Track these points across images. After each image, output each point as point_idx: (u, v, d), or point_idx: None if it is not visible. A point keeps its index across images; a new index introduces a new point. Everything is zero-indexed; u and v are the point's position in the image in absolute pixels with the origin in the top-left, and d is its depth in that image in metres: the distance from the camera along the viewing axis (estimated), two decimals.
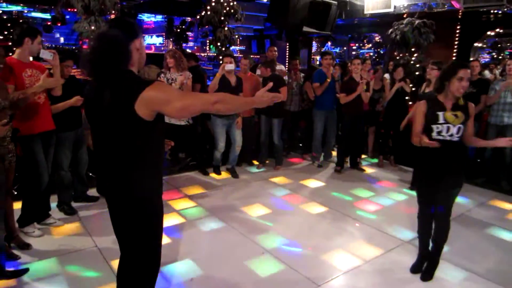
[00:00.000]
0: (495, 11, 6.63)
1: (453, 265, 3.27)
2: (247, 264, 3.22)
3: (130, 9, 6.52)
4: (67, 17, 8.51)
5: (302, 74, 6.29)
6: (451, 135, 2.81)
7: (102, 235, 3.58)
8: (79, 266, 3.11)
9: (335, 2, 6.23)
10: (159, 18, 11.46)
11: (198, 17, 6.43)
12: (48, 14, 9.73)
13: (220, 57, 6.17)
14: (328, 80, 5.52)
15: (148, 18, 10.79)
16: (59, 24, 8.18)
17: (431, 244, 3.09)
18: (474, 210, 4.53)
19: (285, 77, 5.98)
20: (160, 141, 1.90)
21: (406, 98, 5.70)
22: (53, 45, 11.29)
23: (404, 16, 6.58)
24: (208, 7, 6.21)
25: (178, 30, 10.58)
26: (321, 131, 5.85)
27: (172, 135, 5.24)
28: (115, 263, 3.06)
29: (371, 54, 13.56)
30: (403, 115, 5.27)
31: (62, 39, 13.23)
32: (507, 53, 10.82)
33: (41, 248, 3.36)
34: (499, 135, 5.12)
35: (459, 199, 4.61)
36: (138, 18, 9.91)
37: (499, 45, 11.35)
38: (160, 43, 12.97)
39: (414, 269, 3.15)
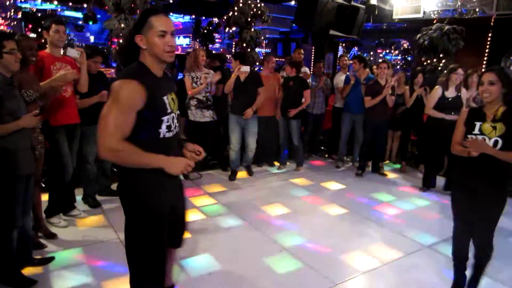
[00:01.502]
0: None
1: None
2: (264, 260, 3.25)
3: (158, 8, 6.67)
4: (98, 16, 8.82)
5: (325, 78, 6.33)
6: None
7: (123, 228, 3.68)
8: (102, 257, 3.19)
9: (363, 6, 6.21)
10: (186, 19, 11.67)
11: (225, 18, 6.54)
12: (80, 13, 10.09)
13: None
14: (352, 82, 5.56)
15: (176, 19, 11.00)
16: (90, 22, 8.47)
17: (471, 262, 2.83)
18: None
19: (309, 80, 6.00)
20: (159, 145, 1.85)
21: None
22: (83, 44, 11.65)
23: (434, 21, 6.49)
24: (236, 8, 6.31)
25: (205, 31, 10.75)
26: (347, 133, 5.86)
27: (196, 132, 5.40)
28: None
29: (398, 60, 13.39)
30: (421, 121, 5.43)
31: (92, 38, 13.67)
32: None
33: (66, 238, 3.47)
34: None
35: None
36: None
37: None
38: (187, 44, 13.21)
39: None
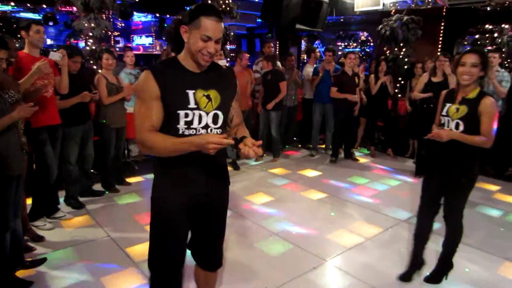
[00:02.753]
0: (477, 9, 7.00)
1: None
2: (257, 246, 3.40)
3: (126, 7, 6.63)
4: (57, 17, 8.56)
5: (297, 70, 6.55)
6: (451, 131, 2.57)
7: (113, 226, 3.70)
8: (95, 255, 3.20)
9: (327, 0, 6.47)
10: (148, 18, 11.53)
11: None
12: (37, 15, 9.71)
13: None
14: (321, 74, 5.83)
15: (138, 18, 10.84)
16: (51, 24, 8.21)
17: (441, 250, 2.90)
18: None
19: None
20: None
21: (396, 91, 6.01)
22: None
23: (392, 13, 6.88)
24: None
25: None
26: (318, 123, 6.11)
27: None
28: (130, 250, 3.25)
29: (358, 52, 13.95)
30: (386, 107, 5.87)
31: (48, 41, 13.13)
32: (487, 50, 11.23)
33: (55, 239, 3.44)
34: None
35: None
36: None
37: (478, 42, 11.77)
38: (149, 43, 13.01)
39: (402, 278, 2.91)
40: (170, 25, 1.83)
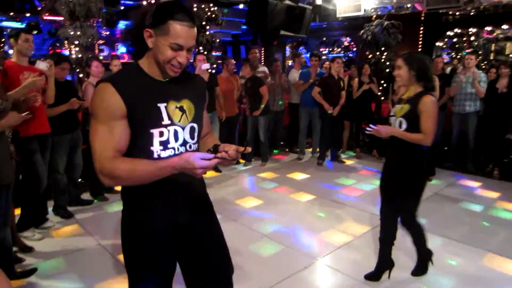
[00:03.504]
0: (454, 13, 7.26)
1: (431, 233, 3.64)
2: (248, 247, 3.46)
3: (111, 15, 6.65)
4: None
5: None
6: None
7: (103, 234, 3.69)
8: (87, 263, 3.19)
9: (310, 7, 6.62)
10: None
11: None
12: (20, 23, 9.61)
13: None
14: (311, 80, 5.95)
15: (123, 26, 10.80)
16: (34, 32, 8.14)
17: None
18: (445, 189, 5.03)
19: (269, 79, 6.29)
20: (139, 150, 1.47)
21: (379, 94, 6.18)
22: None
23: (372, 18, 7.08)
24: None
25: None
26: (305, 127, 6.22)
27: None
28: (122, 257, 3.24)
29: (341, 57, 14.23)
30: (370, 110, 6.12)
31: None
32: (465, 53, 11.59)
33: (44, 250, 3.41)
34: (463, 123, 5.67)
35: (432, 182, 5.16)
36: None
37: (456, 45, 12.15)
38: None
39: (369, 277, 2.92)
40: (130, 26, 1.60)
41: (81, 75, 5.41)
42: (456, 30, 9.39)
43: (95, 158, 1.38)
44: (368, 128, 2.66)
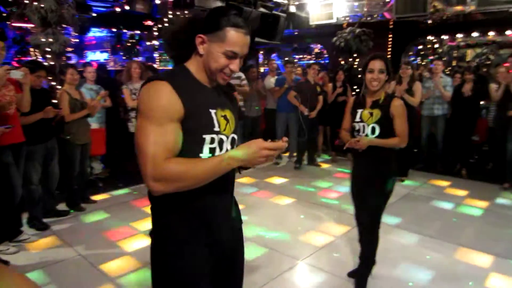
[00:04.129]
0: (421, 22, 7.63)
1: (407, 231, 3.88)
2: None
3: (83, 22, 6.55)
4: None
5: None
6: (367, 136, 2.57)
7: (83, 244, 3.61)
8: (69, 274, 3.12)
9: (284, 14, 6.77)
10: (104, 33, 11.36)
11: (155, 28, 6.63)
12: None
13: None
14: (286, 86, 6.07)
15: (92, 33, 10.65)
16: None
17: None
18: (417, 189, 5.27)
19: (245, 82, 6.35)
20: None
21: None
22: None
23: (344, 26, 7.32)
24: (165, 20, 6.44)
25: (128, 44, 10.59)
26: (282, 131, 6.32)
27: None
28: (104, 267, 3.22)
29: (318, 63, 14.55)
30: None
31: None
32: (429, 59, 12.12)
33: (21, 263, 3.30)
34: (432, 126, 5.95)
35: (405, 182, 5.38)
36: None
37: (422, 52, 12.69)
38: (105, 59, 12.76)
39: (352, 275, 2.97)
40: (174, 27, 1.46)
41: (53, 83, 5.28)
42: (423, 37, 9.82)
43: (145, 162, 1.25)
44: (349, 143, 2.55)
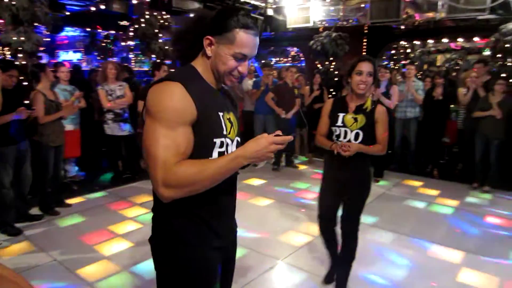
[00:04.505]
0: (394, 27, 7.87)
1: (384, 230, 3.99)
2: None
3: (56, 21, 6.37)
4: None
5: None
6: (349, 141, 2.48)
7: (58, 249, 3.52)
8: (43, 280, 3.04)
9: (262, 17, 6.83)
10: (77, 32, 11.08)
11: (132, 29, 6.54)
12: None
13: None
14: (262, 88, 6.12)
15: (65, 32, 10.36)
16: None
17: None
18: (392, 189, 5.43)
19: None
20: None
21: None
22: None
23: (320, 30, 7.45)
24: (142, 20, 6.37)
25: (103, 44, 10.38)
26: (260, 133, 6.34)
27: (113, 146, 5.35)
28: (81, 271, 3.16)
29: (296, 66, 14.71)
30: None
31: None
32: (402, 64, 12.49)
33: None
34: (404, 128, 6.13)
35: (380, 183, 5.53)
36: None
37: (394, 57, 13.06)
38: (78, 59, 12.44)
39: (327, 280, 2.96)
40: (181, 30, 1.43)
41: (25, 83, 5.12)
42: (396, 42, 10.13)
43: (155, 167, 1.19)
44: (340, 149, 2.41)
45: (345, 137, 2.50)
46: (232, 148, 1.40)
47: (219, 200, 1.40)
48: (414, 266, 3.28)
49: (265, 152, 1.23)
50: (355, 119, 2.47)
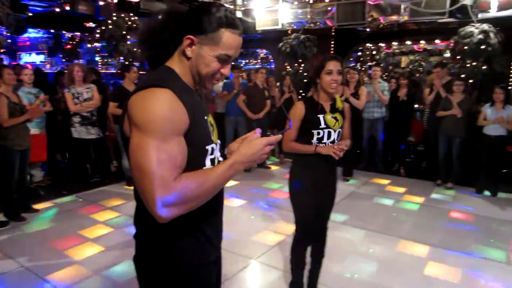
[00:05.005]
0: (360, 30, 8.11)
1: (353, 227, 4.12)
2: None
3: (19, 22, 6.14)
4: None
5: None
6: (333, 142, 2.46)
7: (26, 255, 3.42)
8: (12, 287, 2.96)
9: None
10: (40, 34, 10.72)
11: (98, 31, 6.41)
12: None
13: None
14: (235, 91, 6.16)
15: (27, 34, 9.99)
16: None
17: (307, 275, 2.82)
18: (361, 187, 5.59)
19: None
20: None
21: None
22: None
23: (289, 32, 7.57)
24: (109, 21, 6.26)
25: (68, 46, 10.08)
26: (231, 135, 6.38)
27: (81, 150, 5.23)
28: (52, 277, 3.09)
29: (265, 68, 14.82)
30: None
31: None
32: (368, 65, 12.85)
33: None
34: (372, 128, 6.33)
35: (349, 182, 5.68)
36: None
37: (361, 59, 13.42)
38: (41, 61, 12.01)
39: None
40: (151, 28, 1.27)
41: None
42: (363, 44, 10.42)
43: (153, 185, 1.05)
44: (340, 149, 2.33)
45: (329, 138, 2.44)
46: (216, 152, 1.31)
47: (216, 209, 1.33)
48: (383, 261, 3.41)
49: (260, 155, 1.17)
50: (336, 119, 2.45)
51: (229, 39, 1.18)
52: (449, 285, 3.08)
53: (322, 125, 2.42)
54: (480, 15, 5.74)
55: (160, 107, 1.08)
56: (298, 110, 2.46)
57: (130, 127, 1.13)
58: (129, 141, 1.13)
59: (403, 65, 13.40)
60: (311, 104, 2.47)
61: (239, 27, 1.21)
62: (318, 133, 2.43)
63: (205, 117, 1.26)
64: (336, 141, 2.47)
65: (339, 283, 3.06)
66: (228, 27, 1.17)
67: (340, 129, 2.49)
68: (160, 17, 1.25)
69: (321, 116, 2.42)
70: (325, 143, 2.44)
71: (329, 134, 2.44)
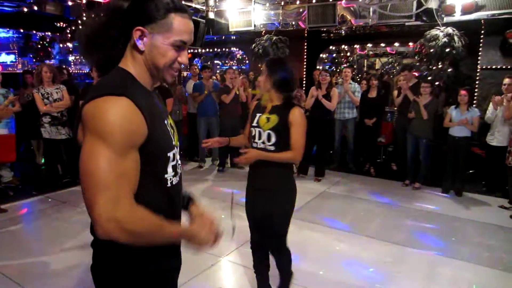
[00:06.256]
0: (331, 32, 8.26)
1: (321, 226, 4.22)
2: None
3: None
4: None
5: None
6: (263, 143, 2.36)
7: (4, 261, 3.33)
8: None
9: (203, 20, 6.88)
10: (10, 34, 10.44)
11: (68, 31, 6.31)
12: None
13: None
14: (206, 92, 6.18)
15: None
16: None
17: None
18: (332, 187, 5.69)
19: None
20: (166, 200, 1.24)
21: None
22: None
23: (262, 33, 7.64)
24: (80, 21, 6.17)
25: (39, 46, 9.84)
26: (204, 135, 6.38)
27: (52, 150, 5.15)
28: (23, 277, 3.04)
29: (235, 68, 14.82)
30: None
31: None
32: (343, 67, 13.10)
33: None
34: (343, 129, 6.45)
35: (320, 182, 5.77)
36: None
37: (336, 60, 13.64)
38: (11, 61, 11.67)
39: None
40: (92, 29, 1.18)
41: None
42: (335, 46, 10.61)
43: (101, 195, 0.98)
44: (237, 159, 2.38)
45: (259, 137, 2.37)
46: (177, 156, 1.27)
47: (176, 212, 1.30)
48: (349, 259, 3.50)
49: (206, 238, 1.26)
50: (268, 119, 2.35)
51: (180, 24, 1.13)
52: (411, 281, 3.19)
53: (254, 124, 2.40)
54: (445, 19, 5.93)
55: (118, 118, 1.02)
56: (252, 106, 2.57)
57: (84, 136, 1.05)
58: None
59: (377, 67, 13.70)
60: (259, 103, 2.50)
61: (188, 11, 1.17)
62: (251, 132, 2.43)
63: (165, 121, 1.22)
64: (267, 143, 2.35)
65: (309, 281, 3.12)
66: (178, 12, 1.13)
67: (270, 131, 2.32)
68: (102, 15, 1.18)
69: (258, 115, 2.42)
70: (256, 144, 2.39)
71: (259, 134, 2.37)
